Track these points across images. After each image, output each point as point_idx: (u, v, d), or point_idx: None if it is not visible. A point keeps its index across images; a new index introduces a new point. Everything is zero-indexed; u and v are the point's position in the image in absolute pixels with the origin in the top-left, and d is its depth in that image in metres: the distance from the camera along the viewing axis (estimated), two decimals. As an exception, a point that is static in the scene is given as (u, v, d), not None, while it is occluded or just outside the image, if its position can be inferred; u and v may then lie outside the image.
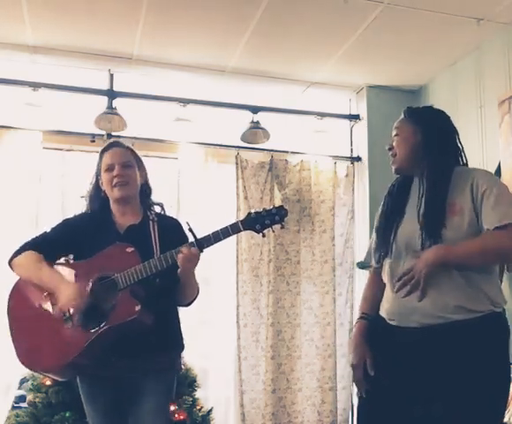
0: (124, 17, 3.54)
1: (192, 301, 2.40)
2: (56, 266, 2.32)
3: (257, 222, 2.21)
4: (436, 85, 4.37)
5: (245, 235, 4.33)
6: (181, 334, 2.42)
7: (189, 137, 4.29)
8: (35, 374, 3.24)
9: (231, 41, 3.83)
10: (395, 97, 4.46)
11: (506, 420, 2.93)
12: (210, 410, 3.73)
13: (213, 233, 2.20)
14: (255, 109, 4.40)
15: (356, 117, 4.66)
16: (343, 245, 4.52)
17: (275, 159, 4.47)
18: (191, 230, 2.19)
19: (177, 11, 3.48)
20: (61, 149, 4.11)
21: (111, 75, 4.20)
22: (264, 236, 2.26)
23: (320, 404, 4.31)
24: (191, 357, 3.74)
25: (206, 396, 3.87)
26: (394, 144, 2.16)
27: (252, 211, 2.24)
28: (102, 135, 4.04)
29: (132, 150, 2.46)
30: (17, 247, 2.35)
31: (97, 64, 4.08)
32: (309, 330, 4.37)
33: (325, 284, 4.41)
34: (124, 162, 2.37)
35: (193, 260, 2.19)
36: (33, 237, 2.39)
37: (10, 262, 2.34)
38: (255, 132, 4.37)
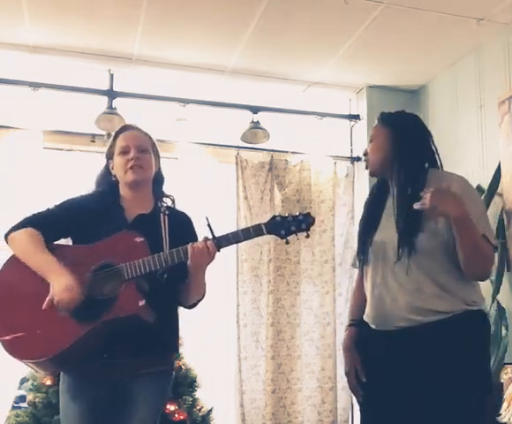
0: (124, 17, 3.54)
1: (197, 303, 2.23)
2: (56, 248, 2.11)
3: (282, 227, 2.09)
4: (436, 85, 4.37)
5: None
6: (178, 336, 2.27)
7: (189, 137, 4.29)
8: (35, 373, 3.24)
9: (231, 41, 3.83)
10: (395, 97, 4.46)
11: (506, 420, 2.93)
12: (210, 410, 3.72)
13: (232, 233, 2.07)
14: (255, 109, 4.40)
15: (356, 117, 4.66)
16: (343, 245, 4.52)
17: (275, 159, 4.47)
18: (209, 225, 2.05)
19: (177, 11, 3.48)
20: (61, 149, 4.11)
21: (111, 75, 4.20)
22: (288, 243, 2.13)
23: (319, 404, 4.31)
24: (191, 357, 3.75)
25: (206, 396, 3.86)
26: (368, 150, 2.22)
27: (277, 215, 2.12)
28: (103, 135, 4.04)
29: (150, 136, 2.29)
30: (15, 222, 2.14)
31: (97, 64, 4.09)
32: (309, 330, 4.36)
33: (325, 284, 4.41)
34: (141, 145, 2.22)
35: (208, 255, 2.03)
36: (35, 212, 2.17)
37: (6, 236, 2.12)
38: (255, 132, 4.37)
